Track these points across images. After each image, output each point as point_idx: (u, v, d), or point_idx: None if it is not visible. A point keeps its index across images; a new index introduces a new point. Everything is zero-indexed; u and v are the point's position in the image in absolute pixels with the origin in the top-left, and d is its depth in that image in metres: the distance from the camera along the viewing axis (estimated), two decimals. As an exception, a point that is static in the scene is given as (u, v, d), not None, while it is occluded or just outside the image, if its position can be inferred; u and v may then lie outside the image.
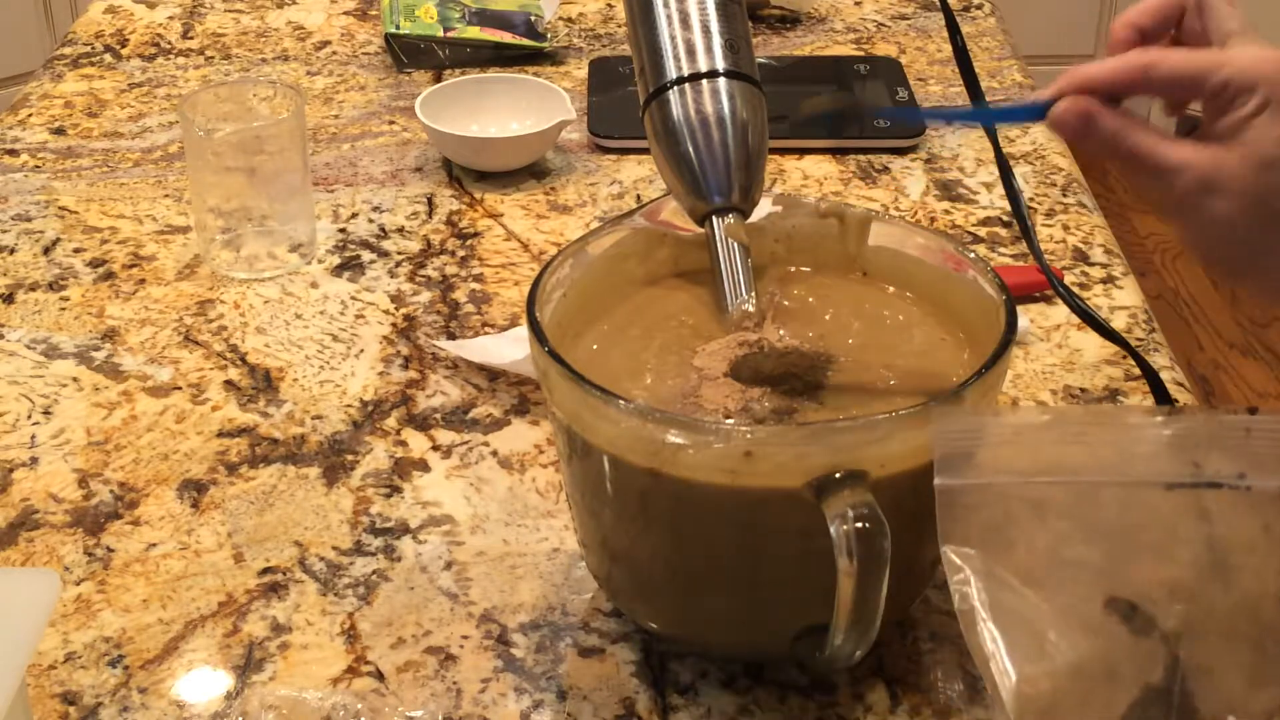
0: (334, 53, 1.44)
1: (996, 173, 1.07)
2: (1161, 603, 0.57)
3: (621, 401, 0.69)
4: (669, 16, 0.86)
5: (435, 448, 0.93)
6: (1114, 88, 0.72)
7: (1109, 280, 1.08)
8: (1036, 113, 0.74)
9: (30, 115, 1.33)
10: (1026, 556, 0.59)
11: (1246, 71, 0.69)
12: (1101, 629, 0.58)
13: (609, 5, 1.54)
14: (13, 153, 1.27)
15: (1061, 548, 0.59)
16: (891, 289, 0.83)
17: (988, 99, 0.90)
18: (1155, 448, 0.60)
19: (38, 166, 1.25)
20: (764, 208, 0.84)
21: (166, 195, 1.21)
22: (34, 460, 0.92)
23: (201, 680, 0.77)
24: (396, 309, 1.06)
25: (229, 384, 0.99)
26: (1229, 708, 0.56)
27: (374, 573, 0.84)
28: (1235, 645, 0.58)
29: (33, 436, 0.94)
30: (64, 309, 1.07)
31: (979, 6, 1.53)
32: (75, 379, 0.99)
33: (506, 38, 1.40)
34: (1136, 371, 0.96)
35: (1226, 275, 0.74)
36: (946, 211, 1.17)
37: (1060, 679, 0.57)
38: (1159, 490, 0.59)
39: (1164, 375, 0.94)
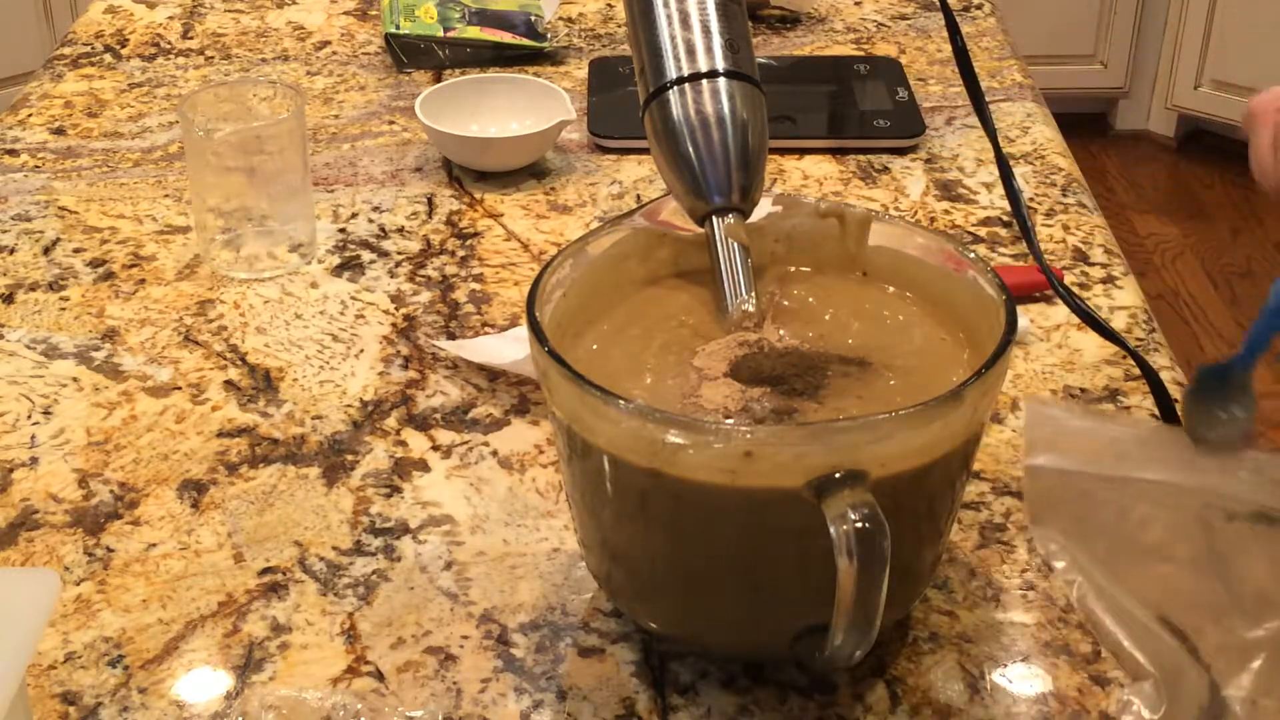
0: (334, 53, 1.44)
1: (996, 173, 1.07)
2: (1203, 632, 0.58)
3: (621, 401, 0.69)
4: (669, 16, 0.86)
5: (435, 448, 0.93)
6: None
7: (1109, 280, 1.08)
8: None
9: (30, 115, 1.34)
10: (1109, 550, 0.59)
11: None
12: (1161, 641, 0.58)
13: (609, 5, 1.54)
14: (13, 153, 1.27)
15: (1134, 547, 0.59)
16: (891, 289, 0.83)
17: (987, 98, 0.90)
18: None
19: (38, 166, 1.25)
20: (764, 208, 0.84)
21: (166, 195, 1.21)
22: (34, 460, 0.92)
23: (201, 680, 0.77)
24: (396, 309, 1.06)
25: (229, 384, 0.99)
26: None
27: (374, 573, 0.84)
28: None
29: (33, 436, 0.94)
30: (64, 309, 1.07)
31: (979, 6, 1.53)
32: (75, 379, 0.99)
33: (506, 38, 1.40)
34: (1136, 371, 0.96)
35: None
36: (946, 211, 1.17)
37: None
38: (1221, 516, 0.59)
39: (1164, 375, 0.94)
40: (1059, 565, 0.60)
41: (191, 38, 1.47)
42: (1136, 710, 0.57)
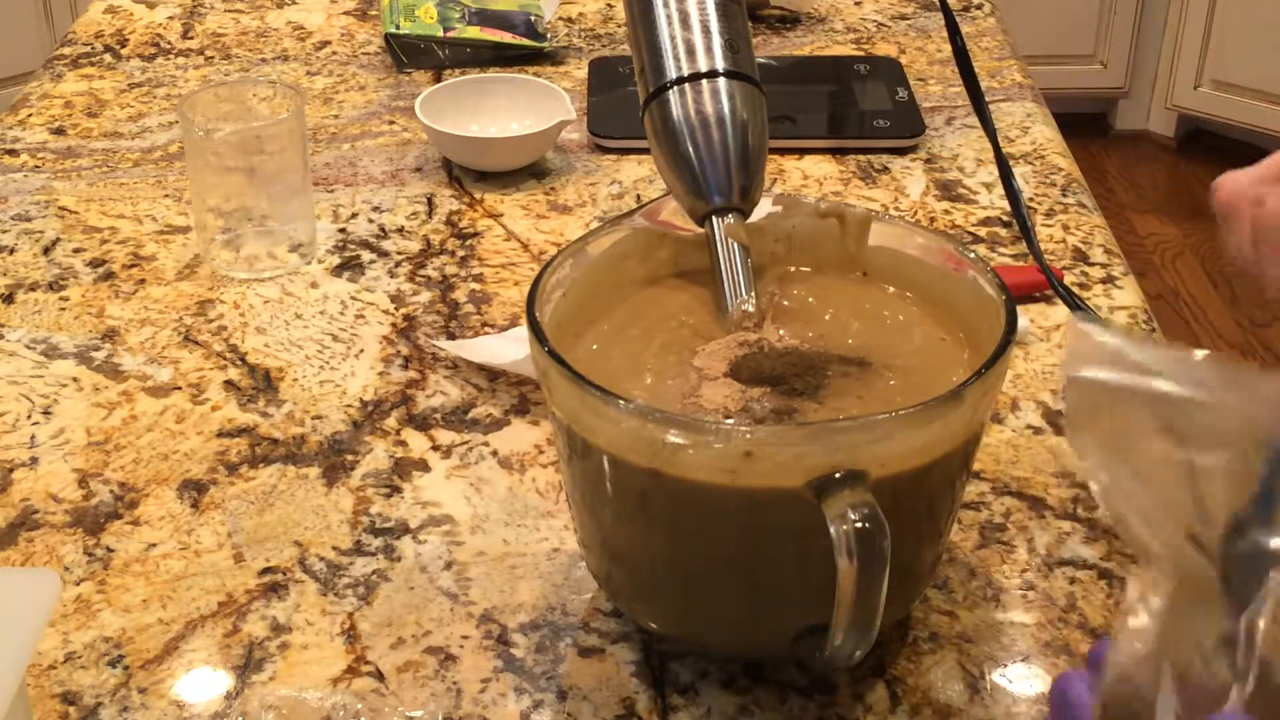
0: (334, 53, 1.44)
1: (996, 173, 1.07)
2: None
3: (621, 401, 0.69)
4: (669, 16, 0.86)
5: (435, 448, 0.93)
6: None
7: (1109, 280, 1.08)
8: None
9: (30, 115, 1.34)
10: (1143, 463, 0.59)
11: None
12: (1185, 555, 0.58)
13: (609, 5, 1.54)
14: (13, 153, 1.27)
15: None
16: (891, 289, 0.83)
17: (987, 98, 0.90)
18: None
19: (38, 166, 1.25)
20: (764, 208, 0.84)
21: (166, 195, 1.21)
22: (34, 460, 0.92)
23: (201, 680, 0.77)
24: (396, 309, 1.06)
25: (229, 384, 0.99)
26: None
27: (374, 573, 0.84)
28: None
29: (33, 436, 0.94)
30: (64, 309, 1.07)
31: (979, 6, 1.53)
32: (75, 379, 0.99)
33: (506, 38, 1.40)
34: (1136, 371, 0.96)
35: None
36: (946, 211, 1.17)
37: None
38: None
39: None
40: (1090, 466, 0.59)
41: (191, 38, 1.47)
42: (1140, 617, 0.57)
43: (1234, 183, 0.64)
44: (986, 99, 0.96)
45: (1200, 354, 0.59)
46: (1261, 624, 0.57)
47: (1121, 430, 0.60)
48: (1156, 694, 0.55)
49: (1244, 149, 3.28)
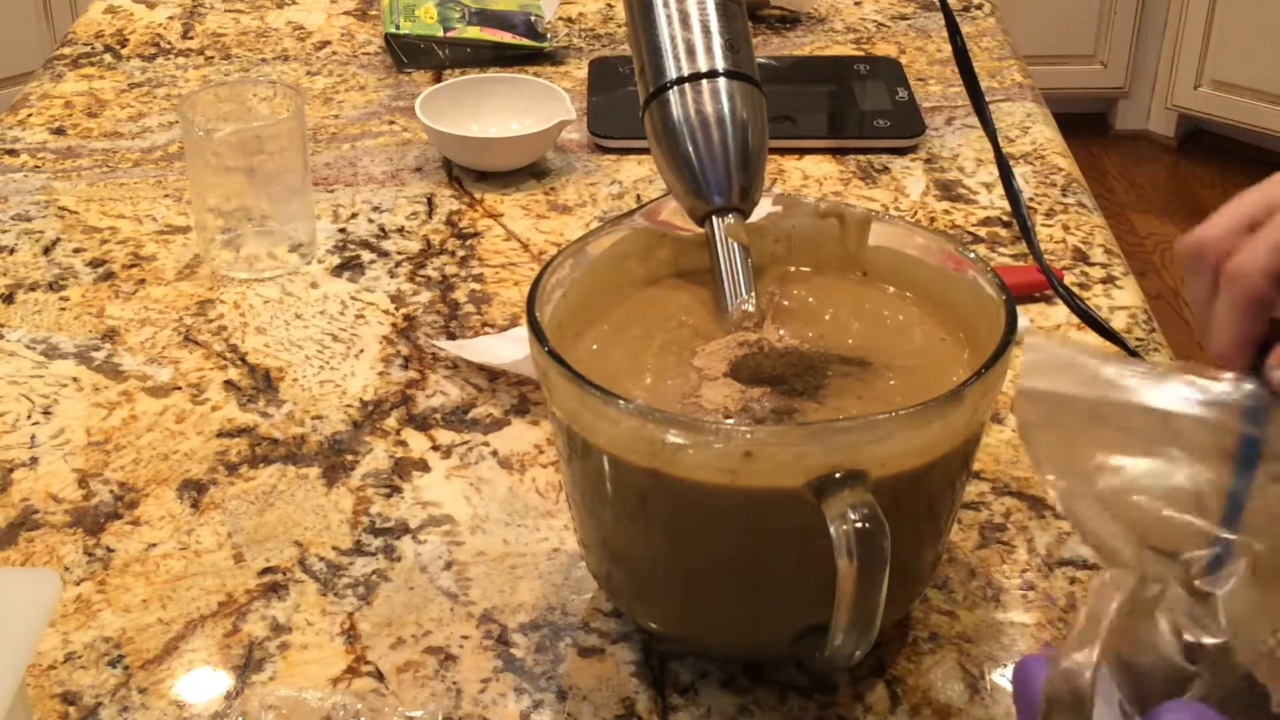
0: (334, 53, 1.44)
1: (996, 173, 1.07)
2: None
3: (621, 401, 0.69)
4: (669, 16, 0.86)
5: (435, 448, 0.93)
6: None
7: (1109, 280, 1.08)
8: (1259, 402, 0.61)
9: (30, 115, 1.34)
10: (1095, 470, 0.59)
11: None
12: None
13: (609, 5, 1.54)
14: (13, 153, 1.27)
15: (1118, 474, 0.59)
16: (891, 289, 0.83)
17: (987, 98, 0.90)
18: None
19: (38, 166, 1.25)
20: (764, 208, 0.84)
21: (166, 195, 1.21)
22: (34, 460, 0.92)
23: (201, 680, 0.77)
24: (396, 309, 1.06)
25: (229, 384, 0.99)
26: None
27: (374, 573, 0.84)
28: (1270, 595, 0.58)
29: (33, 436, 0.94)
30: (64, 309, 1.07)
31: (979, 6, 1.53)
32: (75, 379, 0.99)
33: (506, 38, 1.40)
34: (1136, 371, 0.96)
35: None
36: (946, 211, 1.17)
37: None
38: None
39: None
40: (1046, 473, 0.59)
41: (191, 38, 1.47)
42: (1094, 612, 0.57)
43: (1206, 230, 0.62)
44: (986, 99, 0.96)
45: (1159, 364, 0.59)
46: (1222, 616, 0.57)
47: (1076, 440, 0.59)
48: (1096, 686, 0.55)
49: (1244, 149, 3.28)
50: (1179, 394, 0.59)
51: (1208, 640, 0.57)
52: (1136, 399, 0.59)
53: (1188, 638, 0.57)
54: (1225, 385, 0.59)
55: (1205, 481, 0.58)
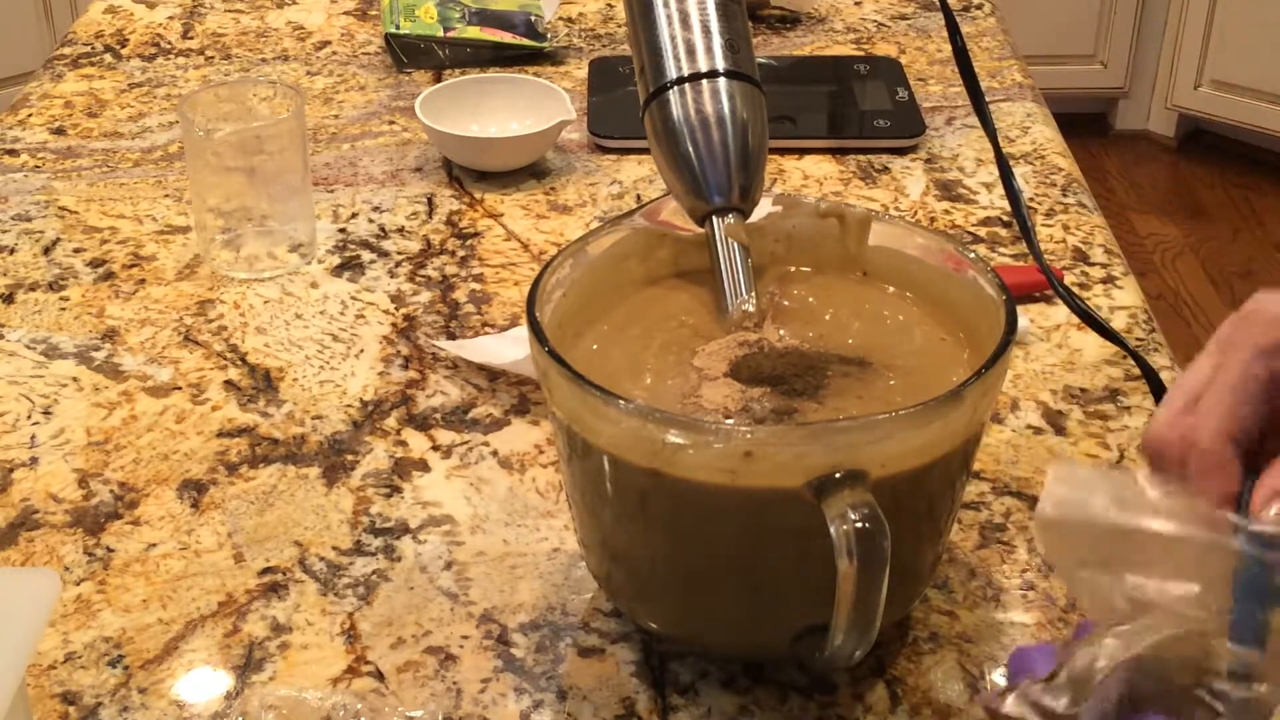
0: (334, 53, 1.44)
1: (996, 173, 1.07)
2: None
3: (621, 401, 0.69)
4: (669, 16, 0.86)
5: (435, 448, 0.93)
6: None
7: (1109, 280, 1.08)
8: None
9: (30, 115, 1.34)
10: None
11: None
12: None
13: (609, 5, 1.54)
14: (13, 153, 1.27)
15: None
16: (891, 289, 0.83)
17: (987, 98, 0.89)
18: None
19: (38, 166, 1.25)
20: (764, 208, 0.84)
21: (166, 195, 1.21)
22: (34, 460, 0.92)
23: (201, 680, 0.77)
24: (396, 309, 1.06)
25: (229, 384, 0.99)
26: None
27: (374, 573, 0.84)
28: None
29: (33, 436, 0.94)
30: (64, 309, 1.07)
31: (979, 6, 1.53)
32: (75, 379, 0.99)
33: (506, 38, 1.40)
34: (1136, 371, 0.96)
35: None
36: (946, 211, 1.17)
37: None
38: None
39: (1164, 375, 0.94)
40: (1073, 583, 0.60)
41: (191, 38, 1.47)
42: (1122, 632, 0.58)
43: (1155, 426, 0.64)
44: (986, 99, 0.96)
45: (1165, 490, 0.59)
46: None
47: (1097, 562, 0.60)
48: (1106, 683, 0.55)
49: (1244, 149, 3.28)
50: (1186, 516, 0.59)
51: None
52: (1147, 523, 0.60)
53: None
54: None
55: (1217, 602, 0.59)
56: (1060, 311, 1.04)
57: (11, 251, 1.13)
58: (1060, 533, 0.60)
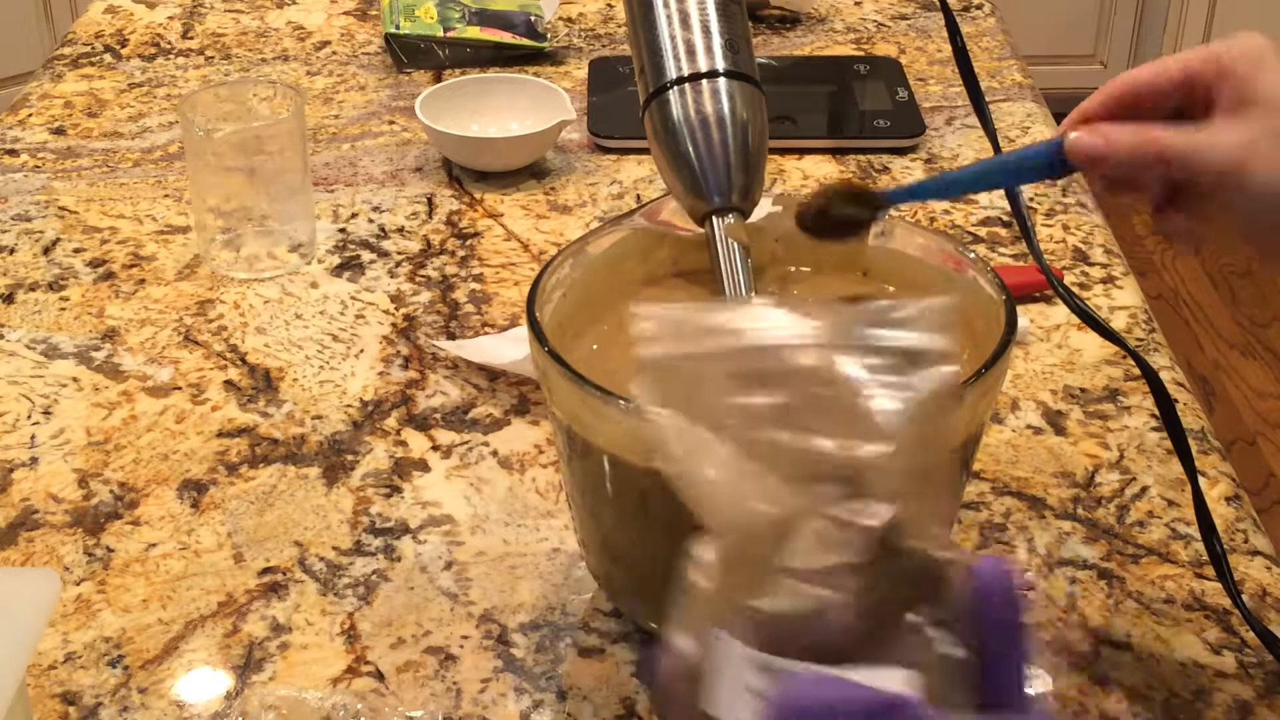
0: (334, 53, 1.44)
1: (996, 173, 1.07)
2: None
3: (621, 401, 0.69)
4: (669, 16, 0.86)
5: (435, 448, 0.93)
6: (1110, 114, 0.71)
7: (1109, 280, 1.08)
8: (1049, 153, 0.72)
9: (30, 115, 1.34)
10: (720, 417, 0.58)
11: (1204, 62, 0.70)
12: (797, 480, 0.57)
13: (609, 5, 1.54)
14: (13, 153, 1.27)
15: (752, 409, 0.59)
16: (891, 289, 0.83)
17: (987, 98, 0.90)
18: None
19: (38, 166, 1.25)
20: (764, 208, 0.84)
21: (166, 195, 1.21)
22: (34, 460, 0.92)
23: (201, 680, 0.77)
24: (396, 309, 1.06)
25: (229, 384, 0.99)
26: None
27: (374, 573, 0.84)
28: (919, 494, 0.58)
29: (33, 436, 0.94)
30: (64, 309, 1.07)
31: (979, 6, 1.53)
32: (75, 379, 0.99)
33: (506, 38, 1.40)
34: (1136, 371, 0.96)
35: (1272, 252, 0.73)
36: (946, 211, 1.17)
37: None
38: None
39: (1164, 375, 0.94)
40: (667, 439, 0.59)
41: (191, 38, 1.47)
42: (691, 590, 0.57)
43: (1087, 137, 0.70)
44: (986, 99, 0.96)
45: (754, 300, 0.60)
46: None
47: (695, 398, 0.59)
48: (710, 659, 0.54)
49: (1244, 149, 3.27)
50: (783, 325, 0.59)
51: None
52: (750, 340, 0.59)
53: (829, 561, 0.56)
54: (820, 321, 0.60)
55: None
56: (1060, 311, 1.04)
57: (11, 251, 1.13)
58: (661, 373, 0.59)
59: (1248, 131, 0.69)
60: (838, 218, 0.77)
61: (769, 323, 0.59)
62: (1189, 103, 0.71)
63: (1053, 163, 0.72)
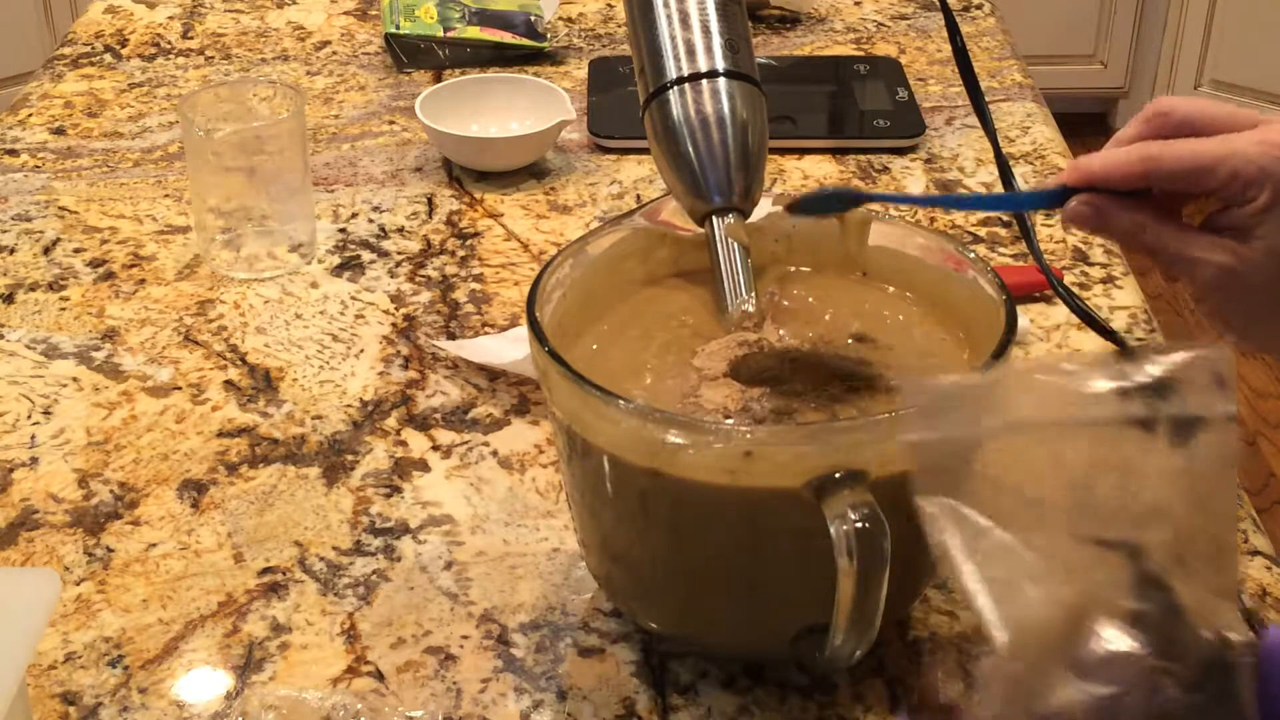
0: (334, 53, 1.44)
1: (996, 173, 1.07)
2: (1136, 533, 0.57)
3: (621, 401, 0.69)
4: (669, 16, 0.86)
5: (435, 448, 0.93)
6: (1120, 184, 0.69)
7: (1109, 280, 1.08)
8: (1050, 201, 0.72)
9: (30, 115, 1.34)
10: (997, 500, 0.58)
11: (1253, 162, 0.67)
12: (1080, 564, 0.57)
13: (609, 5, 1.54)
14: (13, 153, 1.27)
15: (1029, 490, 0.59)
16: (891, 289, 0.83)
17: (987, 98, 0.90)
18: (1103, 391, 0.60)
19: (38, 166, 1.25)
20: (764, 208, 0.84)
21: (166, 195, 1.21)
22: (34, 460, 0.92)
23: (201, 680, 0.77)
24: (396, 309, 1.06)
25: (229, 384, 0.99)
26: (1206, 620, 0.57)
27: (374, 573, 0.84)
28: (1203, 564, 0.58)
29: (33, 436, 0.94)
30: (64, 309, 1.07)
31: (979, 6, 1.53)
32: (75, 379, 0.99)
33: (506, 38, 1.40)
34: (1136, 371, 0.96)
35: (1240, 339, 0.72)
36: (946, 211, 1.17)
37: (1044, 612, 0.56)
38: (1117, 427, 0.59)
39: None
40: (931, 515, 0.59)
41: (191, 38, 1.47)
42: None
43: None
44: (986, 99, 0.96)
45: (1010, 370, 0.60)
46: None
47: (962, 478, 0.59)
48: None
49: (1244, 149, 3.27)
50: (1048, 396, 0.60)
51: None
52: (1015, 415, 0.60)
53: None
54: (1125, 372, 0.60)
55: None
56: (1060, 311, 1.04)
57: (11, 251, 1.13)
58: (929, 455, 0.60)
59: (1241, 255, 0.68)
60: (818, 199, 0.77)
61: (1036, 395, 0.59)
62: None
63: (1051, 207, 0.72)
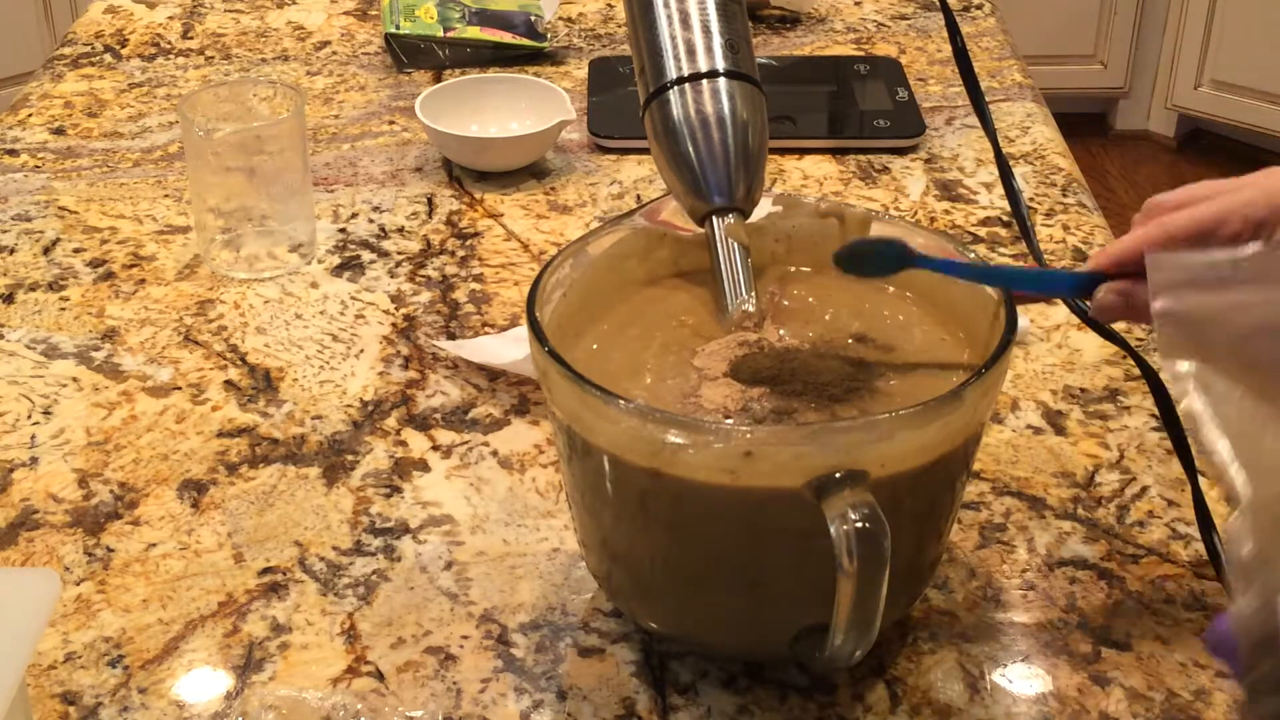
0: (334, 53, 1.44)
1: (996, 173, 1.07)
2: None
3: (621, 401, 0.69)
4: (669, 16, 0.86)
5: (435, 448, 0.93)
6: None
7: (1109, 280, 1.08)
8: (1078, 288, 0.75)
9: (30, 115, 1.34)
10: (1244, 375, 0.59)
11: (1260, 203, 0.70)
12: None
13: (609, 5, 1.54)
14: (13, 153, 1.27)
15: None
16: (891, 289, 0.83)
17: (987, 98, 0.90)
18: None
19: (38, 166, 1.25)
20: (764, 208, 0.84)
21: (166, 195, 1.21)
22: (34, 460, 0.92)
23: (201, 680, 0.77)
24: (396, 309, 1.06)
25: (229, 384, 0.99)
26: None
27: (374, 573, 0.84)
28: None
29: (33, 436, 0.94)
30: (64, 309, 1.07)
31: (979, 6, 1.53)
32: (75, 379, 0.99)
33: (506, 38, 1.40)
34: (1136, 372, 0.96)
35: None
36: (946, 211, 1.17)
37: None
38: None
39: (1163, 375, 0.94)
40: (1187, 393, 0.59)
41: (191, 38, 1.48)
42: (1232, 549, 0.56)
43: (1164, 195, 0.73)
44: (986, 99, 0.96)
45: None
46: None
47: (1213, 344, 0.60)
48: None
49: (1244, 149, 3.28)
50: None
51: None
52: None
53: None
54: None
55: None
56: (1060, 311, 1.04)
57: (11, 251, 1.13)
58: (1180, 324, 0.60)
59: None
60: (864, 255, 0.78)
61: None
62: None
63: (1077, 295, 0.76)
